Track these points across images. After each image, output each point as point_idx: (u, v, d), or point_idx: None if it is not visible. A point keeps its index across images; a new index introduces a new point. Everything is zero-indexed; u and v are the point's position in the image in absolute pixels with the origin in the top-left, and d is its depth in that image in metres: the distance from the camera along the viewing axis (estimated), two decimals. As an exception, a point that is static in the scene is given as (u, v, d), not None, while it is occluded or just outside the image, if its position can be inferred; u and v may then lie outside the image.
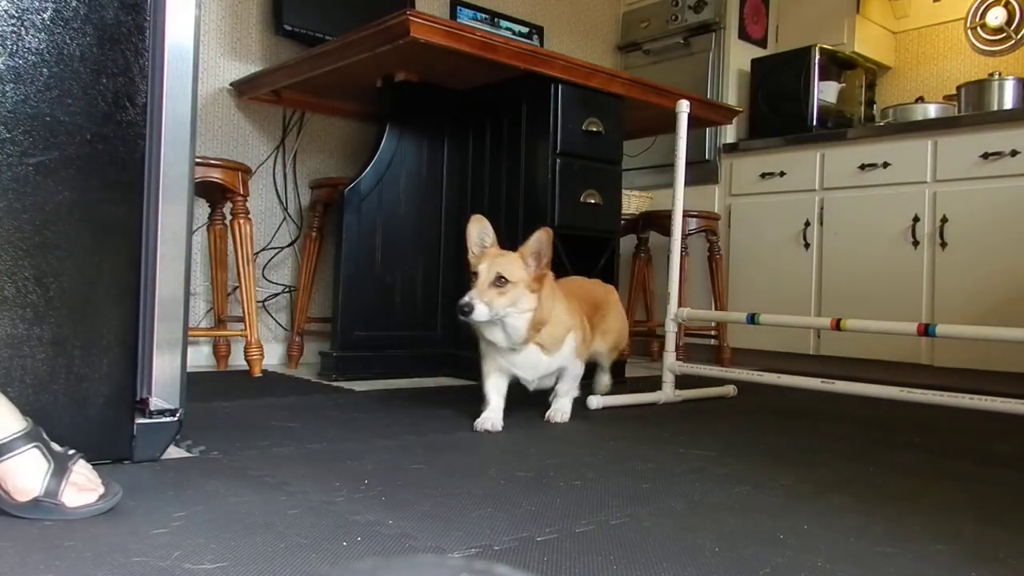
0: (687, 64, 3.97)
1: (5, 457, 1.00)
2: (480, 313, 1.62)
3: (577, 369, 1.91)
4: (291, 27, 2.95)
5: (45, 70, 1.20)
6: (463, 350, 2.83)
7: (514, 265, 1.67)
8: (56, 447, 1.06)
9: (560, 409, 1.92)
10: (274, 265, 3.11)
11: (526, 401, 2.03)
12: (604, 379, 2.27)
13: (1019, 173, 2.89)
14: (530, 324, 1.71)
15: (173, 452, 1.39)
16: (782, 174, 3.55)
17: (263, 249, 3.05)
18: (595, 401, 2.09)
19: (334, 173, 3.17)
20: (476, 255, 1.71)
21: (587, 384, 2.20)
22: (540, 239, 1.69)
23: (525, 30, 3.91)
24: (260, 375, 2.58)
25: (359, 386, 2.42)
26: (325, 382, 2.50)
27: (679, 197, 2.31)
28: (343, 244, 2.65)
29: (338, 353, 2.60)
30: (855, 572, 0.92)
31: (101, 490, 1.04)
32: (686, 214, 3.29)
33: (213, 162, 2.47)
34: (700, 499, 1.22)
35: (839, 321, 1.87)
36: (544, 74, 2.50)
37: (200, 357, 2.89)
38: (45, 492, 1.00)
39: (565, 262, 2.59)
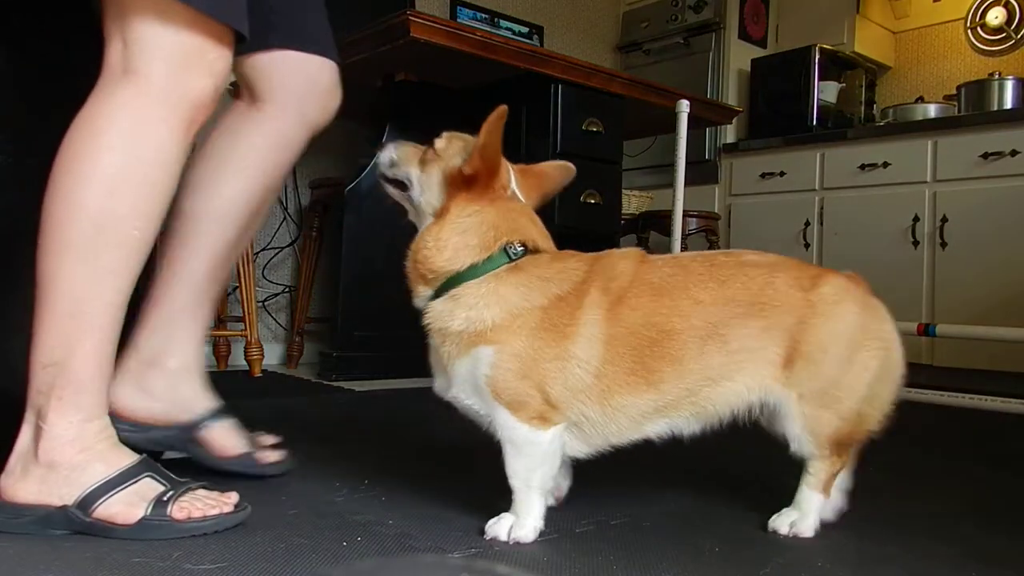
0: (687, 64, 3.96)
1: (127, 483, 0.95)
2: (382, 156, 1.12)
3: (511, 429, 1.00)
4: (291, 27, 2.94)
5: (45, 70, 1.20)
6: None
7: (455, 140, 1.10)
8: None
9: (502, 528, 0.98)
10: (274, 265, 3.11)
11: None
12: (812, 494, 1.05)
13: (1019, 173, 2.89)
14: (421, 224, 1.06)
15: (173, 452, 1.39)
16: (782, 174, 3.55)
17: (263, 249, 3.05)
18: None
19: (334, 173, 3.17)
20: None
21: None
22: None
23: (525, 30, 3.90)
24: (260, 375, 2.58)
25: (359, 386, 2.42)
26: (325, 382, 2.50)
27: (679, 197, 2.31)
28: (343, 244, 2.65)
29: (338, 353, 2.60)
30: (855, 572, 0.92)
31: (228, 508, 0.98)
32: (686, 214, 3.28)
33: (213, 162, 2.46)
34: (700, 499, 1.22)
35: (839, 321, 1.87)
36: (544, 74, 2.50)
37: (200, 357, 2.89)
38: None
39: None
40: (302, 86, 1.23)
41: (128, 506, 0.92)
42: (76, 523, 0.92)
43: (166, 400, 1.16)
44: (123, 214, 0.91)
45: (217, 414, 1.20)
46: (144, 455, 0.99)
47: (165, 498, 0.94)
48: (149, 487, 0.95)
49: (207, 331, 1.23)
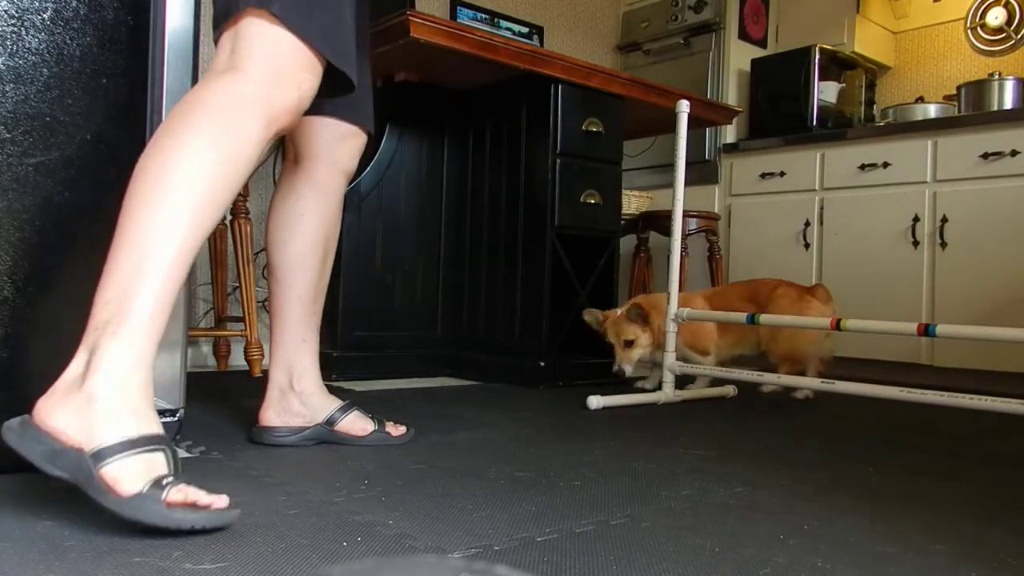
0: (687, 64, 3.96)
1: (147, 449, 0.96)
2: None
3: None
4: (291, 27, 2.94)
5: (45, 70, 1.20)
6: (463, 350, 2.83)
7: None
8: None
9: None
10: (274, 265, 3.11)
11: (530, 407, 2.02)
12: None
13: (1019, 173, 2.89)
14: None
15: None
16: (782, 174, 3.55)
17: (263, 249, 3.04)
18: (595, 401, 2.09)
19: (334, 173, 3.16)
20: None
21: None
22: None
23: (525, 30, 3.91)
24: (260, 375, 2.58)
25: (359, 386, 2.42)
26: (325, 382, 2.49)
27: (679, 197, 2.31)
28: (343, 244, 2.65)
29: (338, 353, 2.60)
30: (855, 572, 0.92)
31: (221, 504, 0.99)
32: (686, 214, 3.29)
33: (213, 162, 2.46)
34: (700, 499, 1.22)
35: (839, 321, 1.87)
36: (544, 74, 2.50)
37: (200, 357, 2.89)
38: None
39: (565, 262, 2.59)
40: (332, 139, 1.49)
41: (132, 477, 0.93)
42: (82, 471, 0.92)
43: (304, 412, 1.51)
44: (206, 169, 1.05)
45: (344, 409, 1.52)
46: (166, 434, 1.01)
47: (163, 483, 0.94)
48: (157, 463, 0.96)
49: (318, 351, 1.56)
